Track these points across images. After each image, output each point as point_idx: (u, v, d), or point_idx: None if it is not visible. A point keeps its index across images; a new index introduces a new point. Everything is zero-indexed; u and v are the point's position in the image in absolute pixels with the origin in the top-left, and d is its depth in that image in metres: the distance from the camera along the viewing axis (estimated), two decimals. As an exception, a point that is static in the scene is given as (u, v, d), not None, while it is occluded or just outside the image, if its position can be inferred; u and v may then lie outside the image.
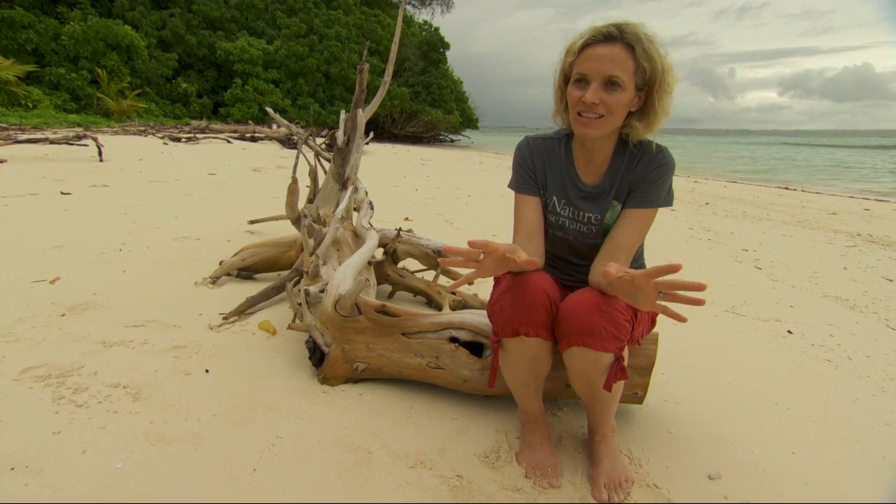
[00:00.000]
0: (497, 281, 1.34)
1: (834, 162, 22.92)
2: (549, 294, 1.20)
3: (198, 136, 12.68)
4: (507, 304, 1.20)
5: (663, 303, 0.96)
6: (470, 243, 1.02)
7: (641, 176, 1.29)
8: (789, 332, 2.45)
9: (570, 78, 1.24)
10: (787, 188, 11.36)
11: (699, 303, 0.90)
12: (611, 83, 1.17)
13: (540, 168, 1.39)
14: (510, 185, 1.44)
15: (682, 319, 0.93)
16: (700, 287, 0.88)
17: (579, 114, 1.22)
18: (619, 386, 1.25)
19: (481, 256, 1.06)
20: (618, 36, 1.16)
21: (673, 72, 1.20)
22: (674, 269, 0.90)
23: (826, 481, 1.35)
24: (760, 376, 1.94)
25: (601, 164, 1.34)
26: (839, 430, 1.61)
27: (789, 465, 1.41)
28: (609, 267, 0.99)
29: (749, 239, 4.79)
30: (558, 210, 1.38)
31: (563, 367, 1.45)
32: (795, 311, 2.75)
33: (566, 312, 1.17)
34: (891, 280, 3.55)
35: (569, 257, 1.44)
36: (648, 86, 1.21)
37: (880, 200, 9.27)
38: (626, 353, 1.22)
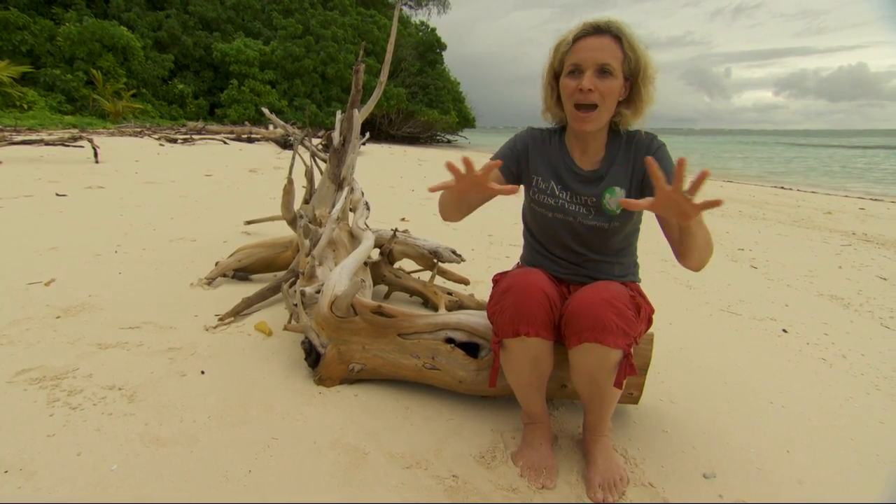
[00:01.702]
0: (496, 282, 1.36)
1: (843, 163, 22.52)
2: (547, 293, 1.22)
3: (194, 137, 12.66)
4: (508, 305, 1.22)
5: (696, 201, 0.97)
6: (463, 159, 1.10)
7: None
8: (784, 330, 2.46)
9: (560, 73, 1.32)
10: (782, 187, 11.41)
11: (718, 203, 0.93)
12: (603, 71, 1.25)
13: (534, 156, 1.44)
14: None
15: (718, 203, 0.94)
16: (706, 174, 0.93)
17: (576, 106, 1.28)
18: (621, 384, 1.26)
19: (462, 171, 1.11)
20: (606, 29, 1.26)
21: (652, 64, 1.30)
22: (682, 163, 0.94)
23: (820, 479, 1.36)
24: (756, 375, 1.95)
25: (597, 153, 1.40)
26: (833, 428, 1.62)
27: (784, 464, 1.41)
28: (653, 164, 0.98)
29: (745, 238, 4.81)
30: (557, 193, 1.42)
31: (561, 368, 1.46)
32: (790, 310, 2.77)
33: (577, 308, 1.19)
34: (885, 279, 3.57)
35: (569, 242, 1.44)
36: (633, 75, 1.29)
37: (875, 199, 9.32)
38: (633, 349, 1.23)
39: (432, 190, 1.12)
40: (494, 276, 1.43)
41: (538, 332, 1.21)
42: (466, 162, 1.08)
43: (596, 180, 1.39)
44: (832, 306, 2.90)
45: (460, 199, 1.27)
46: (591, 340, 1.15)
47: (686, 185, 0.97)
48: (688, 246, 1.15)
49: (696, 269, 1.23)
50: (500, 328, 1.26)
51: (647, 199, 1.03)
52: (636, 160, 1.36)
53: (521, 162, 1.45)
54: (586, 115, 1.27)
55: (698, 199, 0.97)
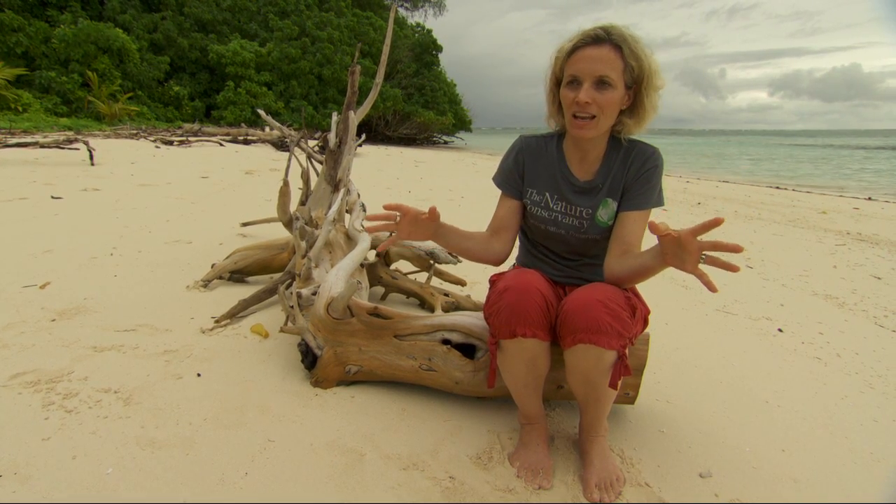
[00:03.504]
0: (492, 283, 1.36)
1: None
2: (544, 294, 1.22)
3: (190, 139, 12.63)
4: (504, 306, 1.22)
5: (703, 266, 0.99)
6: (385, 206, 1.29)
7: (635, 176, 1.34)
8: (780, 330, 2.47)
9: (561, 81, 1.30)
10: (777, 187, 11.46)
11: (734, 269, 0.95)
12: (602, 83, 1.22)
13: (530, 166, 1.44)
14: (494, 180, 1.51)
15: (713, 289, 0.96)
16: (737, 249, 0.92)
17: (574, 116, 1.26)
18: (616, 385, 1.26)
19: (398, 218, 1.30)
20: (605, 37, 1.22)
21: (659, 71, 1.26)
22: (717, 222, 0.93)
23: (815, 478, 1.37)
24: (751, 375, 1.96)
25: (594, 162, 1.38)
26: (828, 426, 1.63)
27: (779, 463, 1.42)
28: (658, 224, 1.01)
29: (740, 238, 4.82)
30: (551, 205, 1.41)
31: (557, 369, 1.47)
32: (786, 310, 2.78)
33: (571, 309, 1.18)
34: (879, 278, 3.59)
35: (561, 252, 1.46)
36: (637, 84, 1.26)
37: (869, 199, 9.37)
38: (627, 350, 1.23)
39: (371, 230, 1.34)
40: (491, 276, 1.43)
41: (535, 332, 1.21)
42: (396, 209, 1.30)
43: (591, 191, 1.38)
44: (827, 306, 2.91)
45: (451, 245, 1.42)
46: (586, 341, 1.15)
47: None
48: (639, 279, 1.22)
49: (619, 286, 1.29)
50: (496, 329, 1.25)
51: (668, 231, 1.01)
52: (629, 170, 1.34)
53: (522, 175, 1.45)
54: (584, 123, 1.26)
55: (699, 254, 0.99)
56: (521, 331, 1.20)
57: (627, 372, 1.21)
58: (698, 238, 0.98)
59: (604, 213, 1.37)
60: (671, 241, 1.01)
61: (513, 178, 1.46)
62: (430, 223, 1.33)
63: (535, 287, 1.22)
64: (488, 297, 1.31)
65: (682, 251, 1.01)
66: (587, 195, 1.38)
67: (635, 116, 1.30)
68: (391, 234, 1.37)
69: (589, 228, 1.39)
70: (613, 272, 1.29)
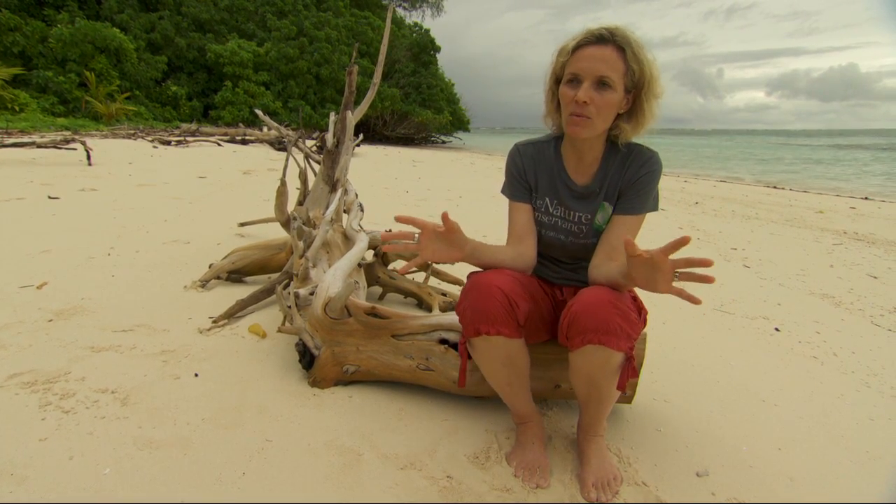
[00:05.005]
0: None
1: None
2: (505, 291, 1.22)
3: (188, 139, 12.61)
4: (468, 306, 1.24)
5: (679, 284, 0.99)
6: (397, 218, 1.19)
7: (631, 180, 1.31)
8: (777, 329, 2.47)
9: (561, 79, 1.28)
10: (775, 187, 11.48)
11: (710, 280, 0.95)
12: (602, 83, 1.20)
13: (531, 172, 1.41)
14: (503, 192, 1.47)
15: (696, 301, 0.97)
16: (707, 263, 0.92)
17: (571, 114, 1.24)
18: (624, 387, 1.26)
19: (416, 236, 1.22)
20: (609, 38, 1.20)
21: (660, 78, 1.24)
22: (684, 241, 0.94)
23: (811, 477, 1.37)
24: (748, 374, 1.96)
25: (591, 165, 1.36)
26: (824, 425, 1.63)
27: (776, 461, 1.43)
28: (632, 243, 1.00)
29: (738, 238, 4.84)
30: (551, 211, 1.40)
31: (553, 368, 1.47)
32: (783, 309, 2.79)
33: (581, 310, 1.17)
34: (875, 277, 3.60)
35: (560, 257, 1.45)
36: (637, 88, 1.24)
37: (866, 199, 9.40)
38: (634, 352, 1.23)
39: (402, 271, 1.24)
40: (469, 274, 1.42)
41: (499, 330, 1.21)
42: (409, 222, 1.20)
43: (589, 196, 1.36)
44: (824, 305, 2.92)
45: (484, 263, 1.33)
46: (596, 342, 1.14)
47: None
48: (615, 286, 1.19)
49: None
50: (464, 328, 1.27)
51: (639, 252, 1.00)
52: (626, 173, 1.32)
53: (526, 177, 1.42)
54: (580, 121, 1.23)
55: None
56: (485, 329, 1.21)
57: (635, 374, 1.21)
58: (669, 257, 0.98)
59: (601, 218, 1.36)
60: (643, 262, 1.01)
61: (520, 182, 1.42)
62: (453, 237, 1.23)
63: (496, 286, 1.22)
64: (458, 299, 1.31)
65: (654, 272, 1.00)
66: (585, 200, 1.36)
67: (633, 122, 1.28)
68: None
69: (588, 234, 1.38)
70: (593, 278, 1.29)
